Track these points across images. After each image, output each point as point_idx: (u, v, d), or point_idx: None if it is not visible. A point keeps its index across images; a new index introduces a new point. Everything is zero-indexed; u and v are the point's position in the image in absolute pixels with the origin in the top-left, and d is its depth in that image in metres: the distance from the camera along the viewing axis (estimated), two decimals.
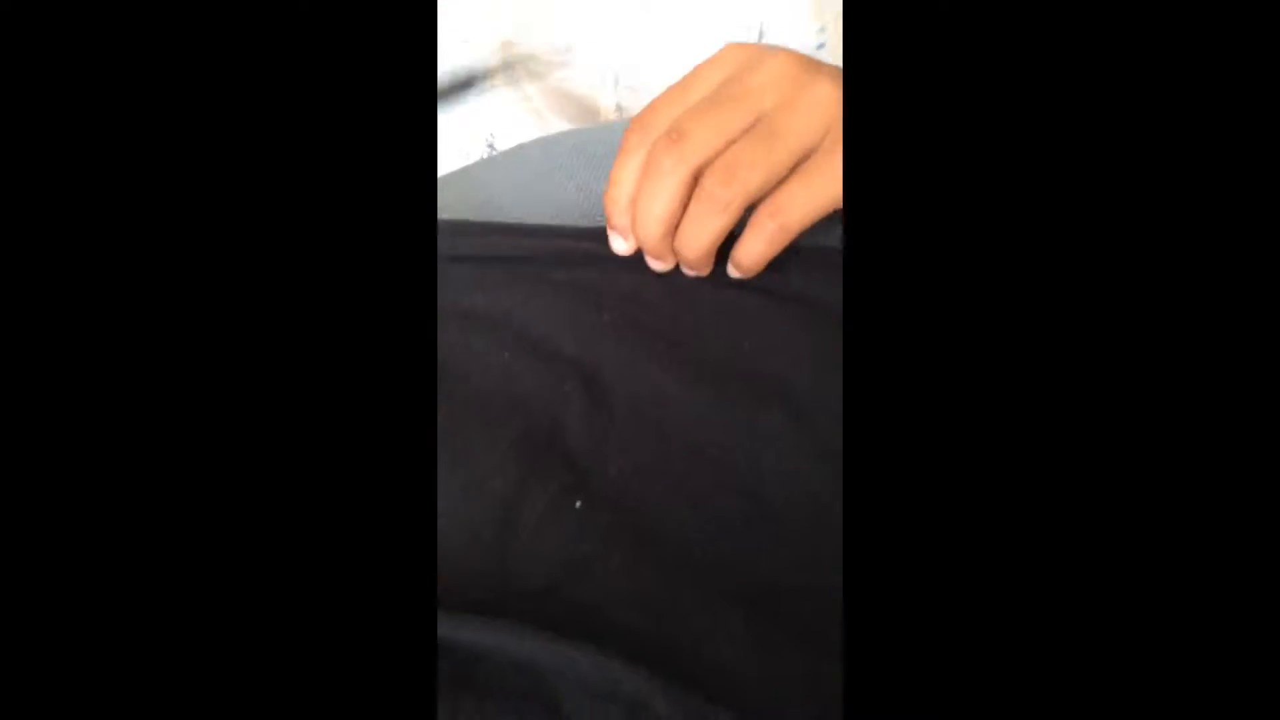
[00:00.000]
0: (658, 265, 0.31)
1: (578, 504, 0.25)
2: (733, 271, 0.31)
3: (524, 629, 0.21)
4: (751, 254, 0.30)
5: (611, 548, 0.24)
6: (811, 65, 0.30)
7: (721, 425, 0.28)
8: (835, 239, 0.35)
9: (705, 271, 0.31)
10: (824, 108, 0.29)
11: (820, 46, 0.46)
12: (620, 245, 0.31)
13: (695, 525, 0.26)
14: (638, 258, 0.32)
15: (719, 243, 0.30)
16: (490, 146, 0.58)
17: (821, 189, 0.29)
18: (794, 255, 0.31)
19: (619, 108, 0.52)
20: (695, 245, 0.30)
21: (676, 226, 0.30)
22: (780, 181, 0.30)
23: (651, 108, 0.30)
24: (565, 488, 0.26)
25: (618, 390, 0.28)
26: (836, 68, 0.31)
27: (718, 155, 0.29)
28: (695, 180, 0.29)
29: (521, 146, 0.39)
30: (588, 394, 0.28)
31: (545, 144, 0.39)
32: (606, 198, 0.31)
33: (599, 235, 0.33)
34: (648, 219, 0.29)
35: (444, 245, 0.30)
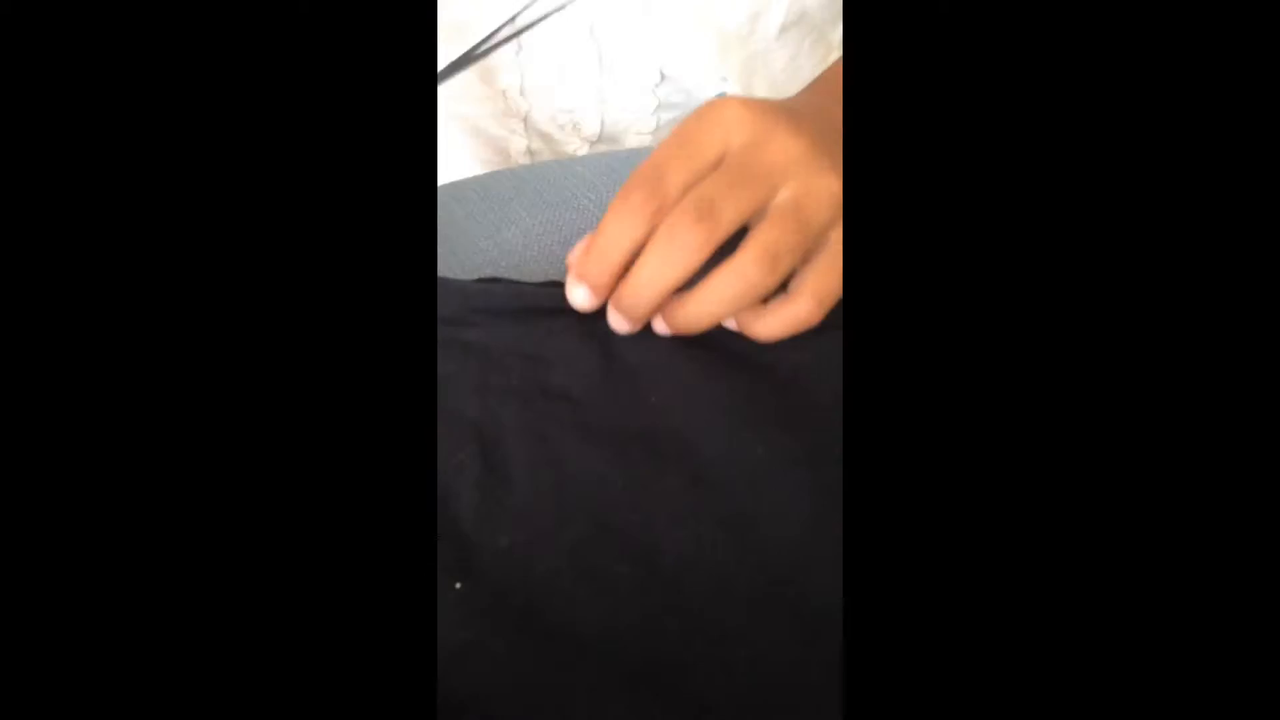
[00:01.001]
0: (625, 328, 0.30)
1: (457, 585, 0.24)
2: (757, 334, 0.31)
3: None
4: (773, 333, 0.30)
5: (493, 633, 0.23)
6: (820, 148, 0.30)
7: (621, 491, 0.27)
8: None
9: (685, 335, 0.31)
10: (836, 197, 0.29)
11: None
12: (583, 299, 0.30)
13: (586, 599, 0.25)
14: (545, 313, 0.31)
15: (725, 318, 0.30)
16: None
17: (835, 271, 0.30)
18: None
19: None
20: (702, 319, 0.29)
21: None
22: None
23: (656, 168, 0.29)
24: (447, 568, 0.24)
25: (516, 457, 0.27)
26: (837, 153, 0.30)
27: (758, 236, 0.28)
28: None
29: (456, 185, 0.38)
30: (484, 462, 0.27)
31: (482, 183, 0.38)
32: (592, 253, 0.29)
33: (514, 293, 0.32)
34: (653, 289, 0.29)
35: None
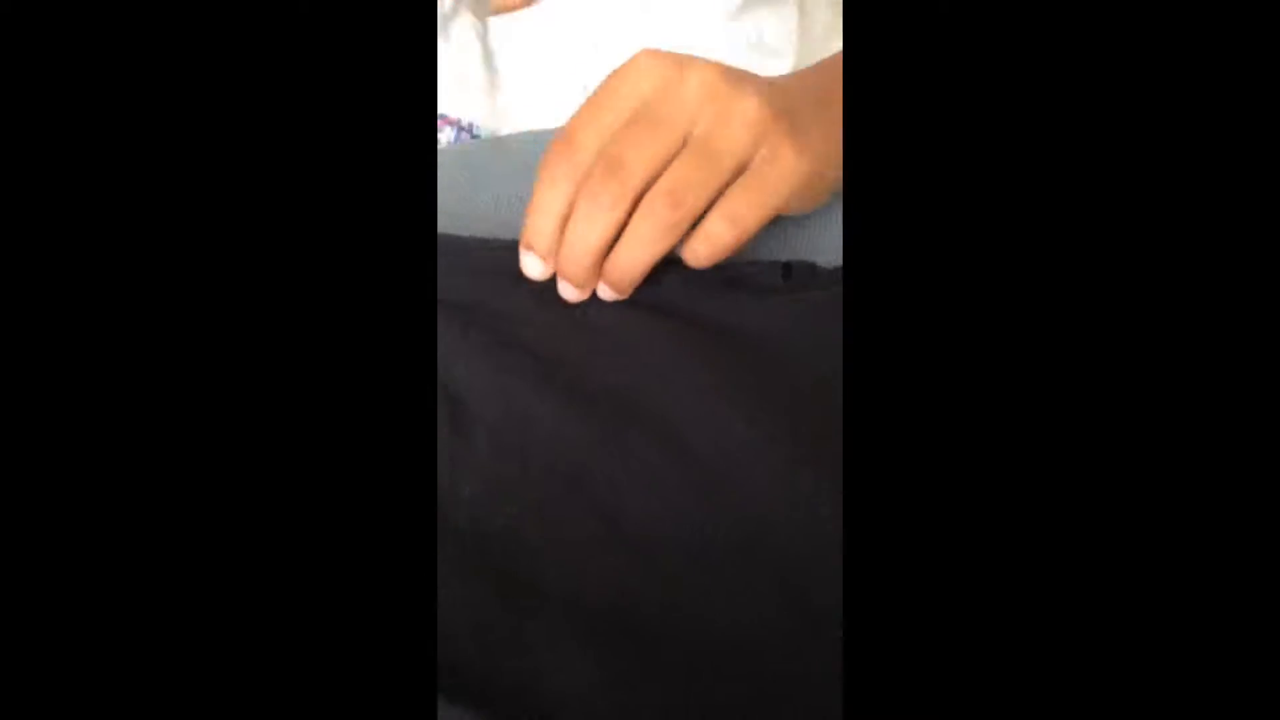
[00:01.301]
0: (573, 294, 0.31)
1: None
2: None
3: None
4: (699, 258, 0.30)
5: (454, 580, 0.24)
6: (733, 77, 0.29)
7: (584, 446, 0.27)
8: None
9: (626, 295, 0.31)
10: (754, 121, 0.29)
11: None
12: (535, 269, 0.31)
13: (549, 551, 0.25)
14: (516, 274, 0.31)
15: (651, 267, 0.30)
16: None
17: (768, 197, 0.29)
18: (673, 268, 0.31)
19: None
20: (631, 270, 0.29)
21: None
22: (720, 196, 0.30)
23: (572, 130, 0.29)
24: None
25: (481, 413, 0.28)
26: (757, 76, 0.30)
27: (656, 179, 0.28)
28: (633, 208, 0.29)
29: (440, 151, 0.39)
30: (449, 418, 0.27)
31: (461, 152, 0.38)
32: (529, 224, 0.30)
33: (481, 247, 0.32)
34: (582, 250, 0.29)
35: None
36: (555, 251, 0.30)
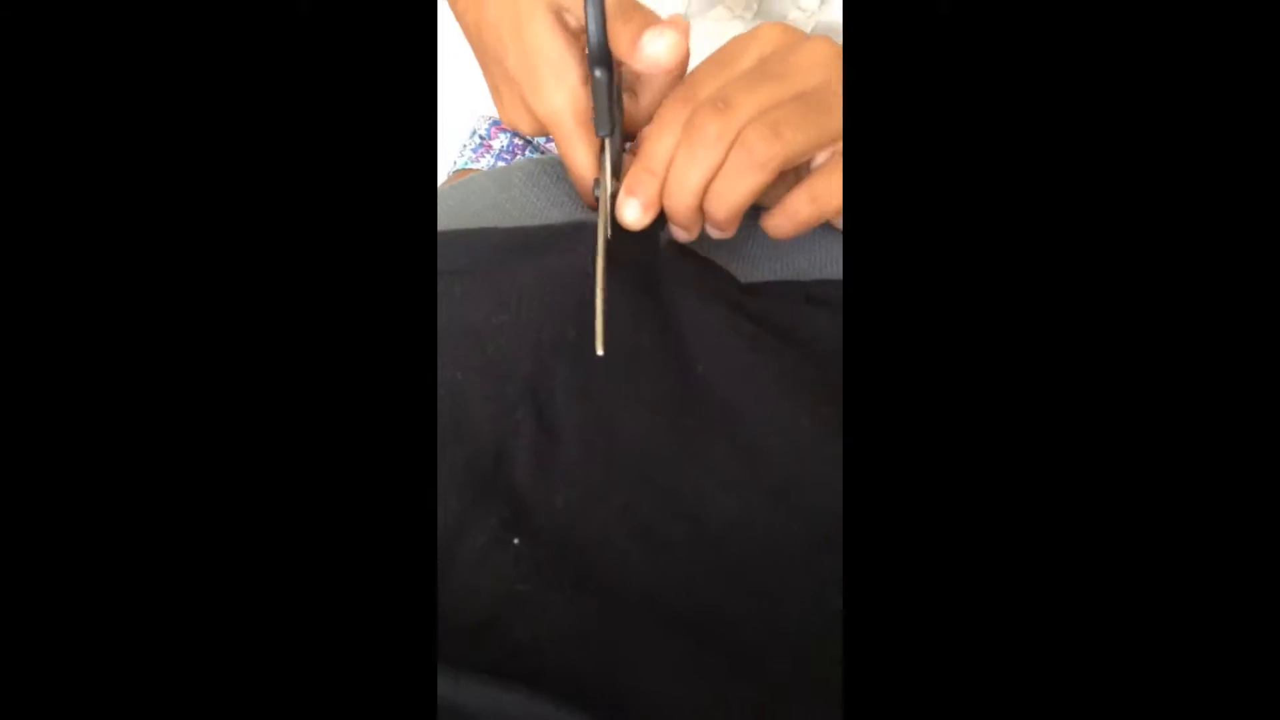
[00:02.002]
0: (682, 235, 0.31)
1: (515, 541, 0.25)
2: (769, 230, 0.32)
3: (457, 671, 0.21)
4: (781, 231, 0.31)
5: (550, 586, 0.24)
6: None
7: (670, 453, 0.28)
8: (802, 269, 0.35)
9: (731, 233, 0.31)
10: None
11: None
12: (634, 214, 0.30)
13: (637, 555, 0.26)
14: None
15: (750, 202, 0.30)
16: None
17: None
18: (750, 287, 0.31)
19: None
20: (728, 203, 0.29)
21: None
22: (810, 166, 0.30)
23: (691, 78, 0.30)
24: (505, 523, 0.25)
25: (569, 416, 0.28)
26: None
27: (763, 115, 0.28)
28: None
29: (472, 178, 0.39)
30: (538, 422, 0.28)
31: (499, 173, 0.39)
32: (634, 165, 0.30)
33: (569, 233, 0.32)
34: (684, 185, 0.29)
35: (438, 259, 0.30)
36: (658, 196, 0.30)
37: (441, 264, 0.31)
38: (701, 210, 0.30)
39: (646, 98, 0.33)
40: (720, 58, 0.30)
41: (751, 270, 0.35)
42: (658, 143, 0.30)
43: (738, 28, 0.51)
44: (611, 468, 0.27)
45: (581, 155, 0.32)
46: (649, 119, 0.32)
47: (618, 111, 0.31)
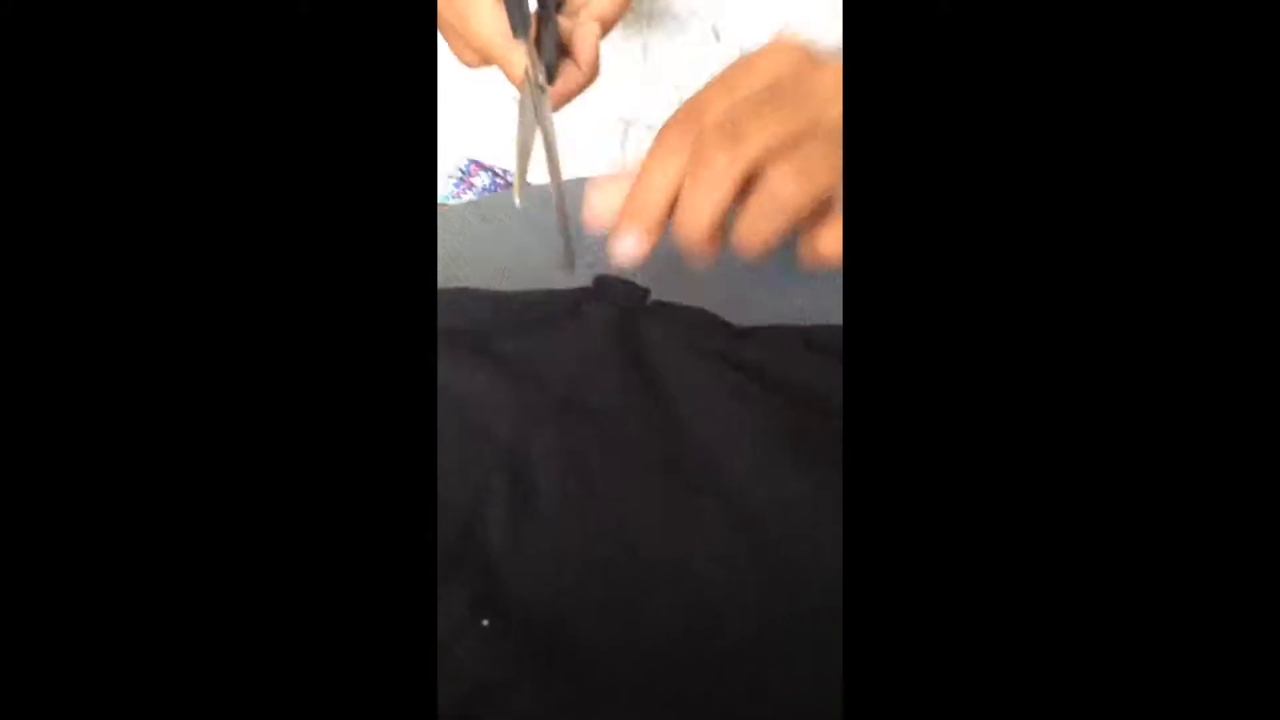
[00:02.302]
0: (699, 262, 0.29)
1: (485, 622, 0.23)
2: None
3: None
4: (808, 262, 0.29)
5: (522, 673, 0.23)
6: None
7: (655, 520, 0.26)
8: (802, 309, 0.34)
9: (765, 260, 0.29)
10: None
11: None
12: (631, 246, 0.29)
13: (615, 622, 0.24)
14: (596, 313, 0.30)
15: (780, 239, 0.28)
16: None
17: None
18: (755, 330, 0.30)
19: None
20: (756, 244, 0.28)
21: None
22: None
23: (697, 101, 0.28)
24: (477, 601, 0.24)
25: (548, 482, 0.27)
26: None
27: (774, 155, 0.27)
28: (747, 180, 0.27)
29: (451, 208, 0.38)
30: (513, 489, 0.26)
31: (479, 206, 0.38)
32: (633, 197, 0.28)
33: (547, 300, 0.31)
34: (698, 215, 0.28)
35: None
36: (660, 225, 0.28)
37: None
38: (720, 237, 0.29)
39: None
40: (727, 79, 0.29)
41: (746, 312, 0.34)
42: (659, 171, 0.28)
43: None
44: (591, 535, 0.26)
45: (513, 69, 0.35)
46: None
47: (545, 25, 0.36)
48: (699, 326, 0.32)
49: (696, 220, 0.28)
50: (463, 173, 0.63)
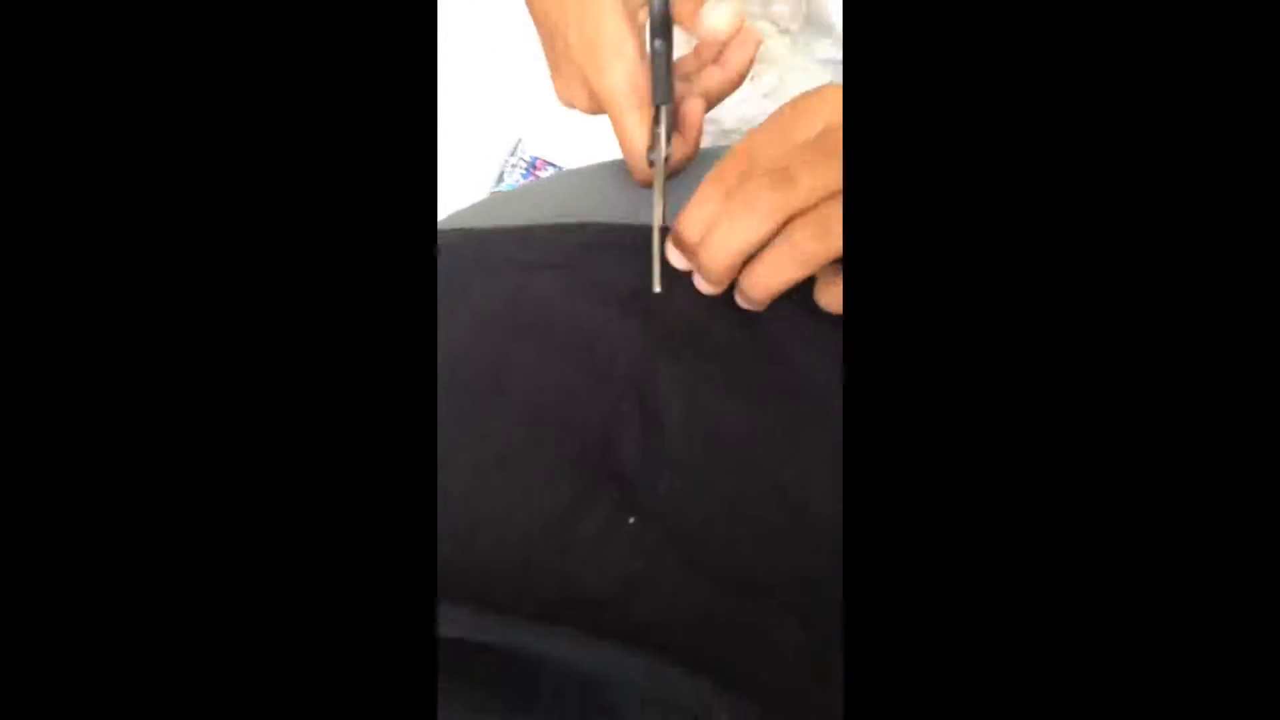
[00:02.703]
0: (706, 289, 0.32)
1: (630, 520, 0.26)
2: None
3: (586, 637, 0.22)
4: (825, 307, 0.31)
5: (662, 565, 0.25)
6: None
7: (768, 443, 0.28)
8: None
9: (760, 307, 0.31)
10: None
11: None
12: (677, 261, 0.32)
13: (744, 541, 0.26)
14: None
15: (785, 289, 0.30)
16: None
17: None
18: None
19: None
20: (762, 290, 0.30)
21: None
22: None
23: (751, 139, 0.30)
24: (619, 505, 0.26)
25: (670, 409, 0.29)
26: None
27: (810, 208, 0.28)
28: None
29: (532, 184, 0.41)
30: (641, 413, 0.29)
31: (575, 174, 0.40)
32: (684, 216, 0.31)
33: (643, 235, 0.33)
34: (724, 250, 0.29)
35: (509, 250, 0.31)
36: (700, 249, 0.30)
37: (531, 255, 0.32)
38: (736, 273, 0.30)
39: (725, 71, 0.34)
40: (782, 122, 0.30)
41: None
42: (702, 201, 0.30)
43: (784, 43, 0.52)
44: (714, 460, 0.28)
45: (635, 128, 0.34)
46: (719, 95, 0.34)
47: (672, 83, 0.34)
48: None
49: (722, 251, 0.29)
50: (530, 165, 0.66)
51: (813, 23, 0.51)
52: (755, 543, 0.26)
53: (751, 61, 0.34)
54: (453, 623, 0.22)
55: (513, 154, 0.68)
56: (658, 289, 0.30)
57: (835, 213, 0.28)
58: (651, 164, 0.35)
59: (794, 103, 0.31)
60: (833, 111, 0.30)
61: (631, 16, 0.33)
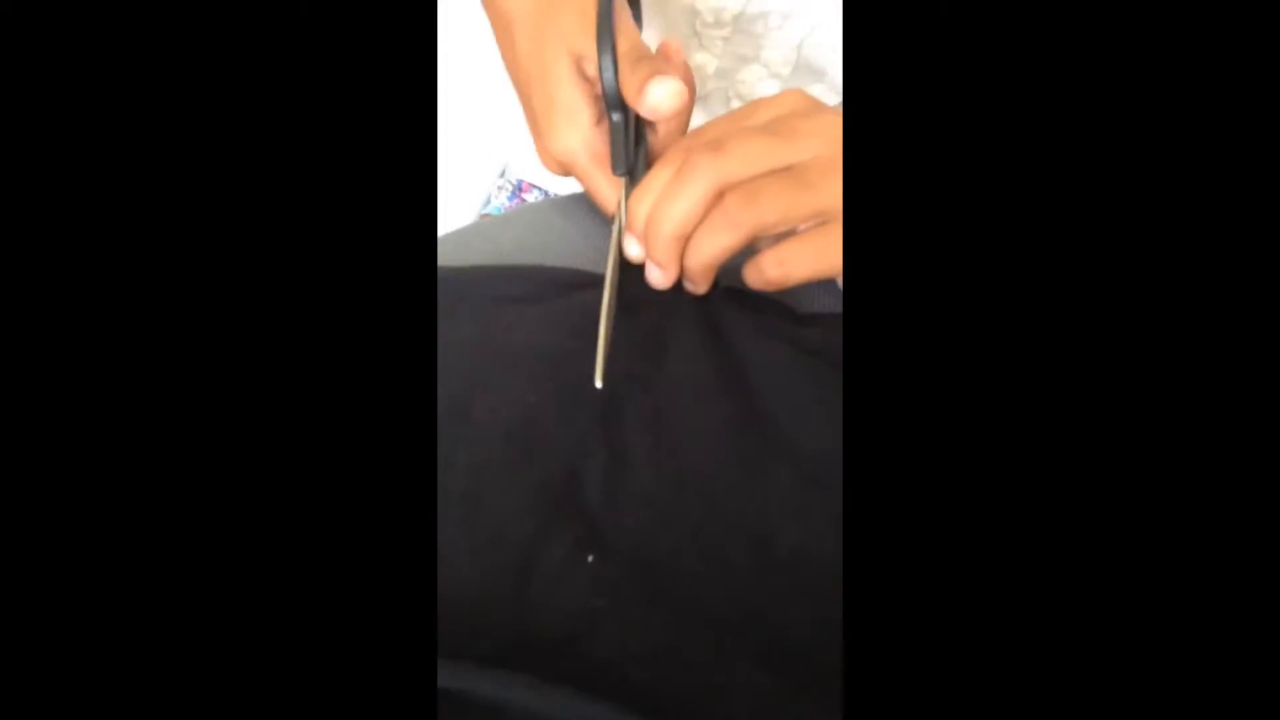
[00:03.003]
0: (656, 276, 0.32)
1: (590, 558, 0.25)
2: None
3: (543, 684, 0.21)
4: (752, 283, 0.32)
5: (624, 603, 0.24)
6: None
7: (735, 480, 0.28)
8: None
9: (702, 289, 0.32)
10: None
11: None
12: (635, 250, 0.32)
13: (707, 578, 0.26)
14: (672, 297, 0.33)
15: (722, 261, 0.31)
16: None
17: (827, 257, 0.30)
18: (818, 316, 0.32)
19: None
20: (700, 257, 0.31)
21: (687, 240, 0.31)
22: (790, 233, 0.31)
23: (703, 127, 0.31)
24: (579, 541, 0.26)
25: (638, 442, 0.29)
26: None
27: (745, 178, 0.29)
28: (719, 199, 0.30)
29: (534, 204, 0.41)
30: (608, 446, 0.28)
31: (562, 200, 0.40)
32: (631, 199, 0.31)
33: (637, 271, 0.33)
34: (663, 219, 0.30)
35: (493, 288, 0.31)
36: (644, 228, 0.31)
37: (512, 291, 0.32)
38: (680, 250, 0.31)
39: (661, 134, 0.35)
40: (735, 114, 0.32)
41: (809, 300, 0.36)
42: (654, 177, 0.31)
43: (774, 86, 0.53)
44: (680, 491, 0.28)
45: (602, 191, 0.35)
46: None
47: (635, 152, 0.34)
48: (765, 311, 0.34)
49: (662, 225, 0.30)
50: (515, 188, 0.66)
51: (803, 67, 0.52)
52: (718, 580, 0.26)
53: (684, 129, 0.35)
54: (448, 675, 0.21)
55: (500, 176, 0.68)
56: (599, 384, 0.29)
57: (766, 185, 0.29)
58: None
59: (752, 101, 0.32)
60: (782, 105, 0.31)
61: (590, 86, 0.34)
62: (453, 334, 0.31)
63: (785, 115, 0.31)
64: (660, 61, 0.32)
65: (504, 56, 0.37)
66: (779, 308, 0.35)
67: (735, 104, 0.52)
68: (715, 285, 0.34)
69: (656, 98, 0.31)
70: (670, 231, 0.30)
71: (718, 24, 0.48)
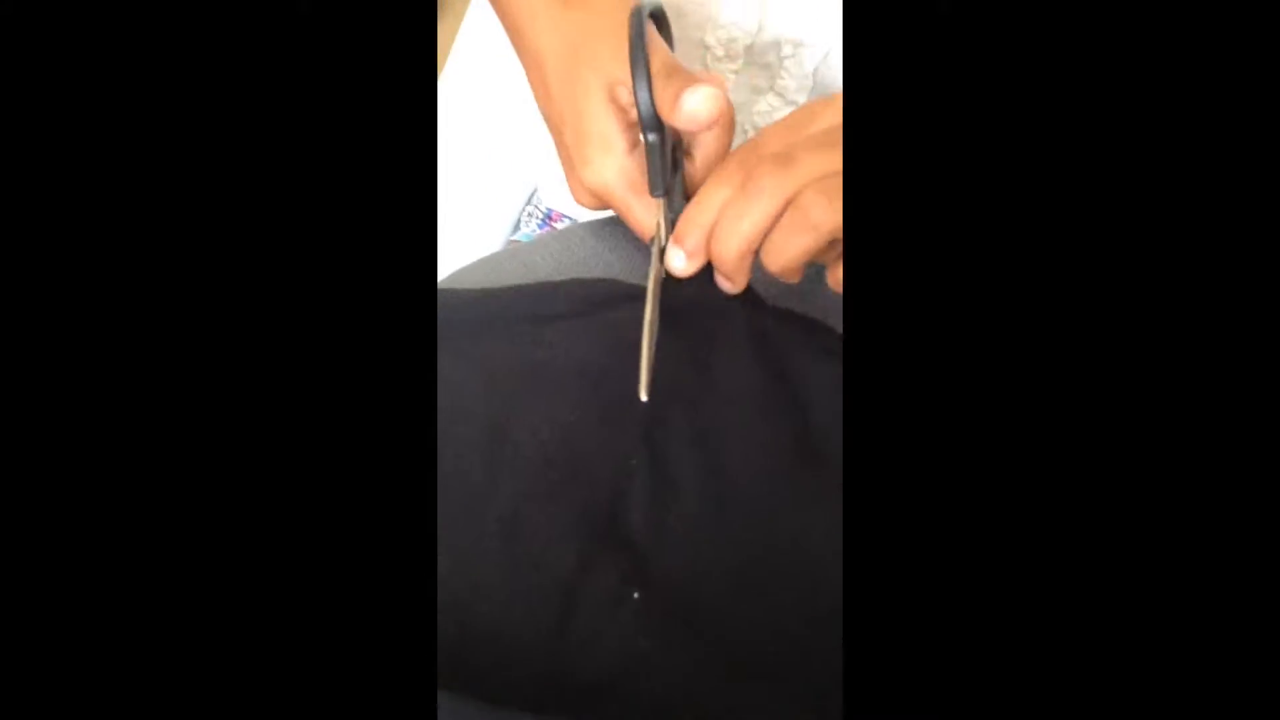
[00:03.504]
0: (727, 285, 0.31)
1: (635, 595, 0.25)
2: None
3: None
4: (831, 285, 0.31)
5: (671, 644, 0.24)
6: None
7: (785, 510, 0.27)
8: None
9: (795, 280, 0.31)
10: None
11: None
12: (680, 263, 0.31)
13: (757, 623, 0.25)
14: (717, 310, 0.32)
15: (805, 260, 0.29)
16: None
17: None
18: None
19: None
20: (782, 257, 0.29)
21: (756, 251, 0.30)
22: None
23: (757, 138, 0.30)
24: (624, 576, 0.25)
25: (684, 458, 0.28)
26: None
27: (816, 182, 0.28)
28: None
29: (549, 235, 0.40)
30: (652, 463, 0.27)
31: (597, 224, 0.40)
32: (685, 214, 0.30)
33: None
34: (732, 235, 0.29)
35: (530, 306, 0.31)
36: (704, 245, 0.30)
37: (549, 309, 0.31)
38: (751, 263, 0.30)
39: (700, 157, 0.34)
40: (789, 121, 0.31)
41: None
42: (712, 194, 0.30)
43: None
44: (727, 520, 0.27)
45: (637, 220, 0.34)
46: (704, 178, 0.34)
47: (673, 173, 0.33)
48: (812, 330, 0.33)
49: (732, 240, 0.29)
50: (546, 216, 0.68)
51: (819, 93, 0.53)
52: (767, 625, 0.25)
53: (726, 148, 0.34)
54: (450, 714, 0.21)
55: (529, 203, 0.70)
56: (644, 397, 0.28)
57: (840, 184, 0.28)
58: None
59: (804, 105, 0.31)
60: (840, 112, 0.30)
61: (624, 114, 0.33)
62: (488, 356, 0.30)
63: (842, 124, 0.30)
64: (692, 74, 0.31)
65: (536, 96, 0.36)
66: (824, 328, 0.34)
67: (751, 134, 0.53)
68: (763, 302, 0.34)
69: (693, 104, 0.30)
70: (742, 247, 0.29)
71: (729, 57, 0.48)
